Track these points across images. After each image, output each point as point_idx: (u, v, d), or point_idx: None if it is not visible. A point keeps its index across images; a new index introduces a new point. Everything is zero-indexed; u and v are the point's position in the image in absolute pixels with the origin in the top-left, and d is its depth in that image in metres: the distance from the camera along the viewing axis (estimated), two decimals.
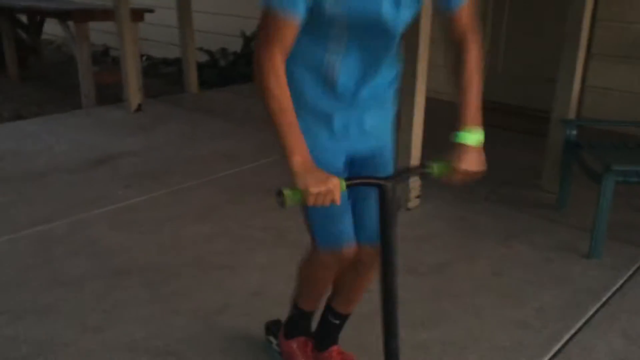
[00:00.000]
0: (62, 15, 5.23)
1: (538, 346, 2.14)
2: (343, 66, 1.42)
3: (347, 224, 1.55)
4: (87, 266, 2.63)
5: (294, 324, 1.90)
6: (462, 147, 1.43)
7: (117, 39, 4.93)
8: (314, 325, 1.93)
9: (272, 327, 2.04)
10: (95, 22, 5.49)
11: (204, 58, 6.76)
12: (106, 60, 7.94)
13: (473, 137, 1.44)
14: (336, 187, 1.27)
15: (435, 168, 1.43)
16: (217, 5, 6.74)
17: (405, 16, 1.39)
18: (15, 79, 6.38)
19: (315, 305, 1.85)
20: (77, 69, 5.32)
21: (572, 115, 3.34)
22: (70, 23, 5.14)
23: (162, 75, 7.00)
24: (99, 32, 7.07)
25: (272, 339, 2.02)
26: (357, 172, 1.55)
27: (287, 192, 1.27)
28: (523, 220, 3.17)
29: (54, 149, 4.17)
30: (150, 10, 5.57)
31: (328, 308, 1.85)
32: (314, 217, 1.56)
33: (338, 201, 1.29)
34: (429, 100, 3.20)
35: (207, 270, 2.61)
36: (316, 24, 1.33)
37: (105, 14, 5.17)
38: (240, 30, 6.63)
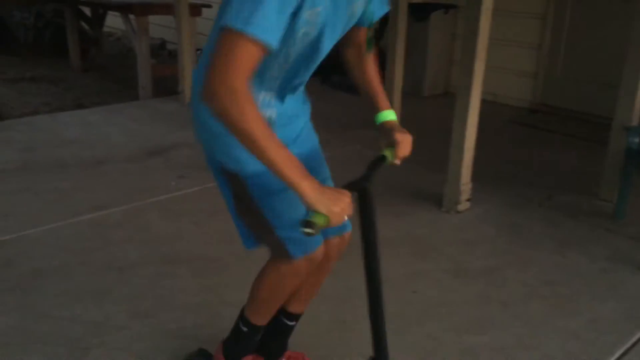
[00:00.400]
0: (124, 9, 5.40)
1: (590, 359, 2.08)
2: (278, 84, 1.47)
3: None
4: (140, 253, 2.72)
5: (242, 345, 1.77)
6: (390, 123, 1.59)
7: (174, 33, 5.05)
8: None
9: (197, 356, 1.89)
10: (155, 16, 5.65)
11: None
12: (162, 53, 8.14)
13: (392, 114, 1.61)
14: (350, 199, 1.27)
15: (387, 153, 1.55)
16: None
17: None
18: (77, 70, 6.63)
19: (269, 319, 1.75)
20: (135, 61, 5.48)
21: (635, 122, 3.21)
22: (132, 16, 5.31)
23: None
24: (157, 26, 7.26)
25: None
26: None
27: (316, 219, 1.23)
28: (578, 229, 3.07)
29: (112, 138, 4.32)
30: (208, 6, 5.68)
31: (281, 312, 1.77)
32: (283, 230, 1.51)
33: (351, 214, 1.29)
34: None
35: (259, 264, 2.64)
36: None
37: (165, 8, 5.32)
38: None
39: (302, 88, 1.59)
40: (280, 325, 1.79)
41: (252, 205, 1.52)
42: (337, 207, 1.24)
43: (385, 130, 1.58)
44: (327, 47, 1.43)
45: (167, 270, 2.59)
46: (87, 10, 6.89)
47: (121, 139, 4.29)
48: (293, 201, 1.30)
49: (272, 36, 1.20)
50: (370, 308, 1.50)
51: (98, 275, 2.52)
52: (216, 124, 1.25)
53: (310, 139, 1.67)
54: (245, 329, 1.74)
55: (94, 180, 3.55)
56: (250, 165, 1.38)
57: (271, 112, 1.47)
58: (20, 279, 2.46)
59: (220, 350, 1.80)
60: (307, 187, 1.23)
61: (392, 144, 1.54)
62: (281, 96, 1.49)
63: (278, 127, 1.44)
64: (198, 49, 6.63)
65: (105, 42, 7.61)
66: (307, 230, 1.23)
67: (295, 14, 1.26)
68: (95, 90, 6.01)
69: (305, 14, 1.28)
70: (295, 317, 1.79)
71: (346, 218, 1.27)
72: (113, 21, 7.42)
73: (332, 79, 5.71)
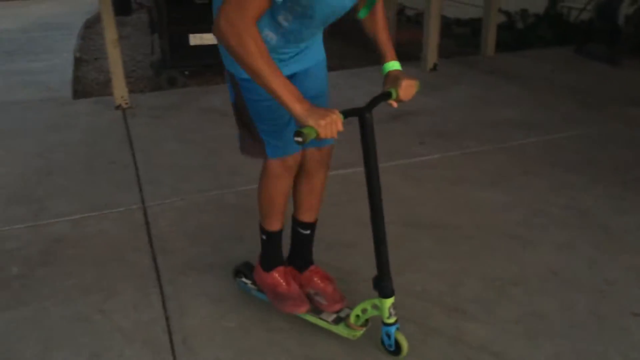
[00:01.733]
0: None
1: None
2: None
3: (290, 135, 1.71)
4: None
5: (269, 254, 2.05)
6: (394, 72, 1.85)
7: None
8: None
9: (244, 269, 2.16)
10: None
11: (499, 19, 6.51)
12: (400, 19, 8.23)
13: (397, 64, 1.87)
14: (338, 117, 1.56)
15: (393, 92, 1.84)
16: None
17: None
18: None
19: (279, 223, 2.01)
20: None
21: None
22: None
23: (454, 36, 6.97)
24: None
25: (245, 280, 2.15)
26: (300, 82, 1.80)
27: (305, 130, 1.51)
28: None
29: (354, 100, 4.52)
30: None
31: (295, 222, 2.07)
32: (264, 133, 1.83)
33: (341, 128, 1.57)
34: None
35: (501, 238, 2.57)
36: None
37: None
38: None
39: (314, 38, 1.80)
40: (298, 235, 2.08)
41: (243, 106, 1.83)
42: (324, 120, 1.52)
43: (391, 78, 1.85)
44: (322, 12, 1.60)
45: (407, 232, 2.65)
46: None
47: (363, 101, 4.47)
48: (275, 109, 1.67)
49: None
50: (373, 228, 1.82)
51: (346, 228, 2.70)
52: None
53: (319, 79, 1.92)
54: (264, 237, 2.04)
55: (339, 139, 3.77)
56: (243, 72, 1.58)
57: (286, 50, 1.75)
58: None
59: (258, 262, 2.10)
60: (299, 108, 1.53)
61: (398, 86, 1.81)
62: (294, 41, 1.73)
63: (290, 62, 1.78)
64: None
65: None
66: (297, 139, 1.52)
67: None
68: (337, 53, 6.34)
69: None
70: (308, 225, 2.07)
71: (335, 134, 1.55)
72: None
73: (586, 48, 5.17)
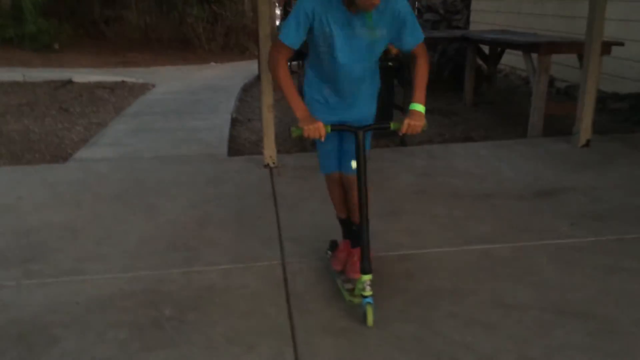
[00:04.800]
0: (529, 47, 5.45)
1: None
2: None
3: (331, 160, 2.73)
4: (528, 294, 2.67)
5: (343, 230, 2.95)
6: (411, 111, 2.48)
7: (564, 70, 4.82)
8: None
9: (331, 245, 3.01)
10: None
11: None
12: (550, 90, 7.94)
13: (419, 106, 2.48)
14: (320, 127, 2.38)
15: (392, 125, 2.50)
16: None
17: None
18: (469, 104, 7.02)
19: (341, 213, 2.89)
20: (522, 97, 5.46)
21: None
22: (534, 55, 5.31)
23: (610, 111, 6.56)
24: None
25: (329, 252, 2.99)
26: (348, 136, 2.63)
27: (295, 129, 2.39)
28: None
29: (500, 173, 4.40)
30: (620, 44, 5.27)
31: (351, 221, 2.85)
32: (319, 156, 2.76)
33: (323, 137, 2.40)
34: None
35: None
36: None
37: (573, 47, 5.15)
38: None
39: (358, 96, 2.63)
40: (351, 227, 2.85)
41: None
42: (311, 126, 2.37)
43: (408, 114, 2.47)
44: (343, 59, 2.44)
45: (557, 320, 2.46)
46: (485, 49, 7.24)
47: (510, 175, 4.33)
48: (320, 144, 2.64)
49: (291, 40, 2.39)
50: (360, 219, 2.53)
51: (486, 307, 2.58)
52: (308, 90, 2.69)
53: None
54: (338, 219, 2.95)
55: (483, 212, 3.66)
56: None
57: (330, 100, 2.63)
58: (419, 293, 2.71)
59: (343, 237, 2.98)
60: (299, 115, 2.42)
61: (403, 121, 2.46)
62: (334, 90, 2.60)
63: (336, 110, 2.62)
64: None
65: (495, 78, 7.86)
66: (291, 131, 2.41)
67: (311, 30, 2.39)
68: (484, 124, 6.24)
69: (318, 32, 2.38)
70: (354, 224, 2.80)
71: (317, 137, 2.39)
72: (505, 58, 7.61)
73: None
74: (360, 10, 2.32)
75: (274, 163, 4.63)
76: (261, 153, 4.75)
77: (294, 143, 5.79)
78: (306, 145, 5.39)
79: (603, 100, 6.93)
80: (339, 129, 2.51)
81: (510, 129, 5.91)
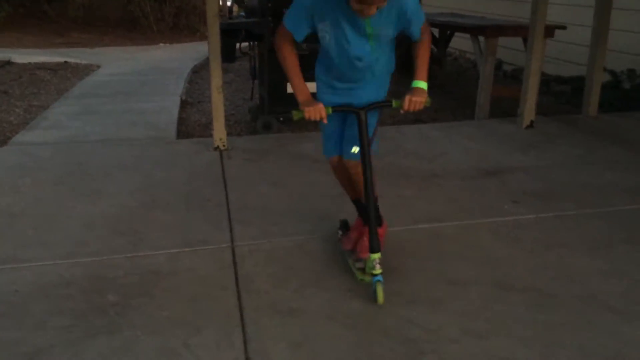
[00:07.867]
0: (476, 30, 5.54)
1: None
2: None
3: (332, 144, 2.70)
4: (472, 270, 2.74)
5: (357, 209, 2.91)
6: (413, 88, 2.45)
7: (512, 54, 4.94)
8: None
9: (342, 225, 3.00)
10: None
11: (603, 78, 6.26)
12: (497, 74, 8.13)
13: (421, 83, 2.45)
14: (321, 109, 2.41)
15: (394, 102, 2.48)
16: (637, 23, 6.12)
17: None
18: None
19: (351, 195, 2.90)
20: (470, 80, 5.57)
21: None
22: (481, 38, 5.41)
23: (553, 94, 6.77)
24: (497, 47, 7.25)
25: (339, 231, 2.99)
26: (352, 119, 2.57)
27: (296, 111, 2.42)
28: None
29: (448, 154, 4.48)
30: (563, 27, 5.42)
31: (360, 201, 2.84)
32: (323, 139, 2.75)
33: (324, 119, 2.43)
34: None
35: (600, 310, 2.40)
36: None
37: (517, 30, 5.26)
38: None
39: (364, 83, 2.57)
40: (361, 206, 2.85)
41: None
42: (312, 108, 2.41)
43: (410, 91, 2.45)
44: (344, 51, 2.43)
45: (498, 294, 2.54)
46: (435, 32, 7.31)
47: (457, 156, 4.42)
48: (324, 126, 2.62)
49: (291, 27, 2.43)
50: (365, 199, 2.58)
51: (431, 284, 2.63)
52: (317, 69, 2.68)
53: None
54: (352, 200, 2.94)
55: (432, 192, 3.73)
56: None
57: (337, 85, 2.59)
58: None
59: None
60: (301, 98, 2.45)
61: (404, 98, 2.44)
62: (340, 79, 2.58)
63: (342, 94, 2.59)
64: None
65: (445, 61, 7.96)
66: (293, 114, 2.44)
67: (313, 22, 2.39)
68: (433, 106, 6.31)
69: (319, 24, 2.39)
70: (359, 201, 2.85)
71: (318, 118, 2.42)
72: (455, 42, 7.72)
73: None
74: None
75: (224, 146, 4.57)
76: (211, 136, 4.68)
77: (245, 125, 5.73)
78: (258, 128, 5.34)
79: (547, 82, 7.14)
80: (340, 110, 2.50)
81: (459, 111, 6.03)
